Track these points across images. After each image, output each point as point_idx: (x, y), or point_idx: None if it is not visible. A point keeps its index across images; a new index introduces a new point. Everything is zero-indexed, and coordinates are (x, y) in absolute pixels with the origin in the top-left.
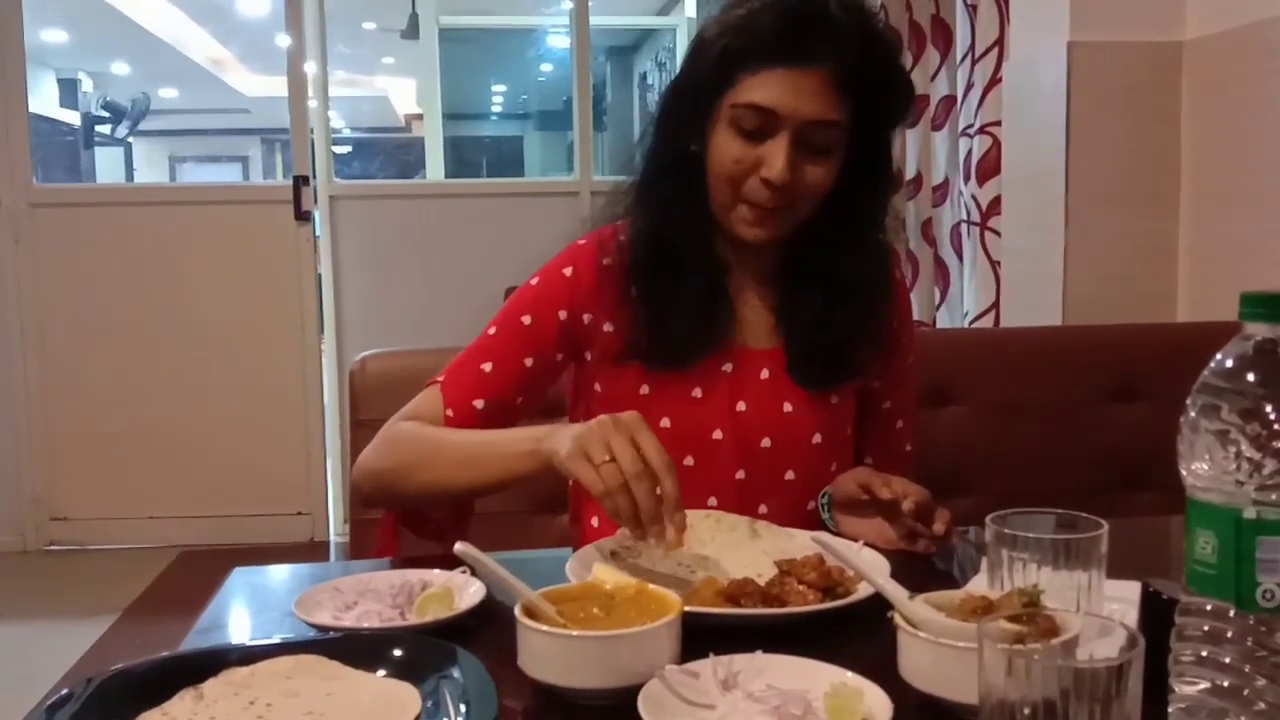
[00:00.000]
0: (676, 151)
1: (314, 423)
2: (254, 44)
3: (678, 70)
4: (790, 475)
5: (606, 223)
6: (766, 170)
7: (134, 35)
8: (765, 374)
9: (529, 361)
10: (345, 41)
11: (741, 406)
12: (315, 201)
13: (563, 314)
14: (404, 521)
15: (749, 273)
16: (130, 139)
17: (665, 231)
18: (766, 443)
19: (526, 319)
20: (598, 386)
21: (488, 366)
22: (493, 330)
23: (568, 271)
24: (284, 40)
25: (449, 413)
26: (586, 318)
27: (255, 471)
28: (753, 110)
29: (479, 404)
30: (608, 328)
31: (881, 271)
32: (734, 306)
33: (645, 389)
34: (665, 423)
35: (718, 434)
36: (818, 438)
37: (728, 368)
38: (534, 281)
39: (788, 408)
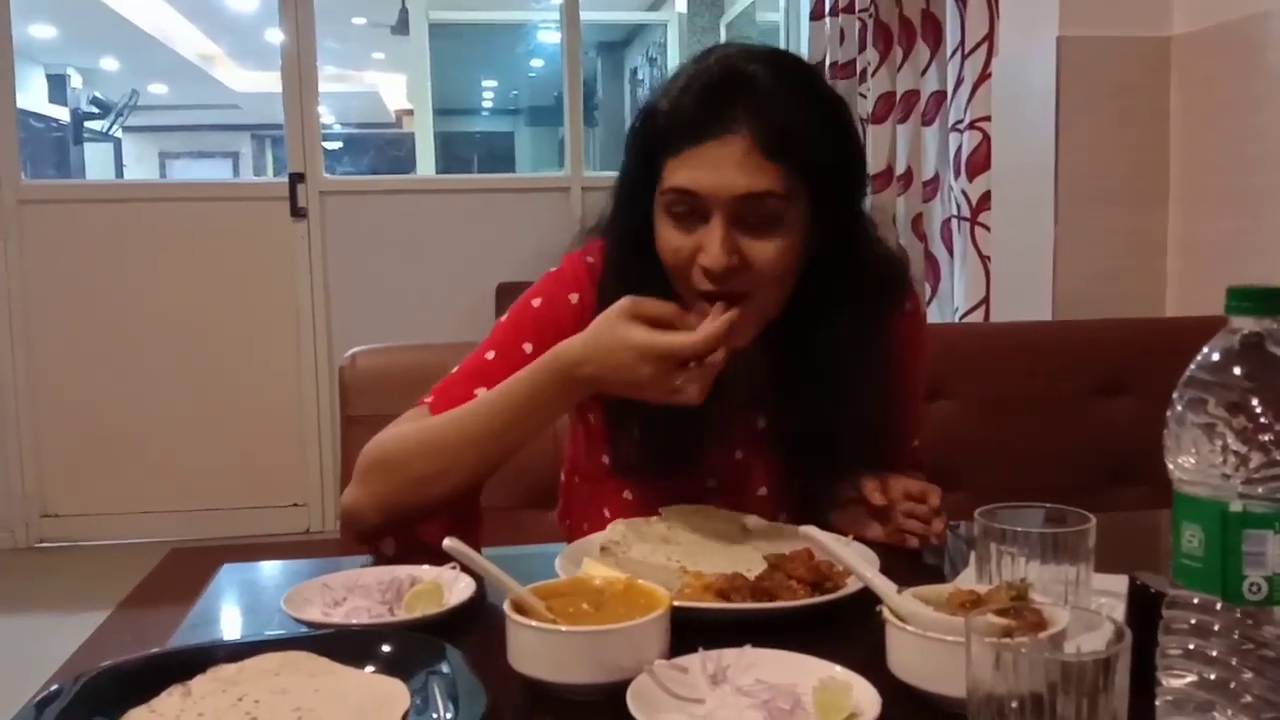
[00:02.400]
0: (637, 243)
1: (308, 414)
2: (244, 39)
3: (623, 156)
4: (783, 518)
5: (598, 230)
6: (702, 257)
7: (123, 30)
8: (761, 424)
9: None
10: (335, 37)
11: (738, 455)
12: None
13: None
14: (390, 537)
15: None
16: (119, 135)
17: None
18: (763, 491)
19: (528, 347)
20: (591, 418)
21: (483, 392)
22: (490, 354)
23: (574, 298)
24: (275, 36)
25: None
26: None
27: (249, 464)
28: (677, 195)
29: None
30: None
31: (874, 338)
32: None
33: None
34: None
35: (711, 483)
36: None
37: (722, 422)
38: (535, 303)
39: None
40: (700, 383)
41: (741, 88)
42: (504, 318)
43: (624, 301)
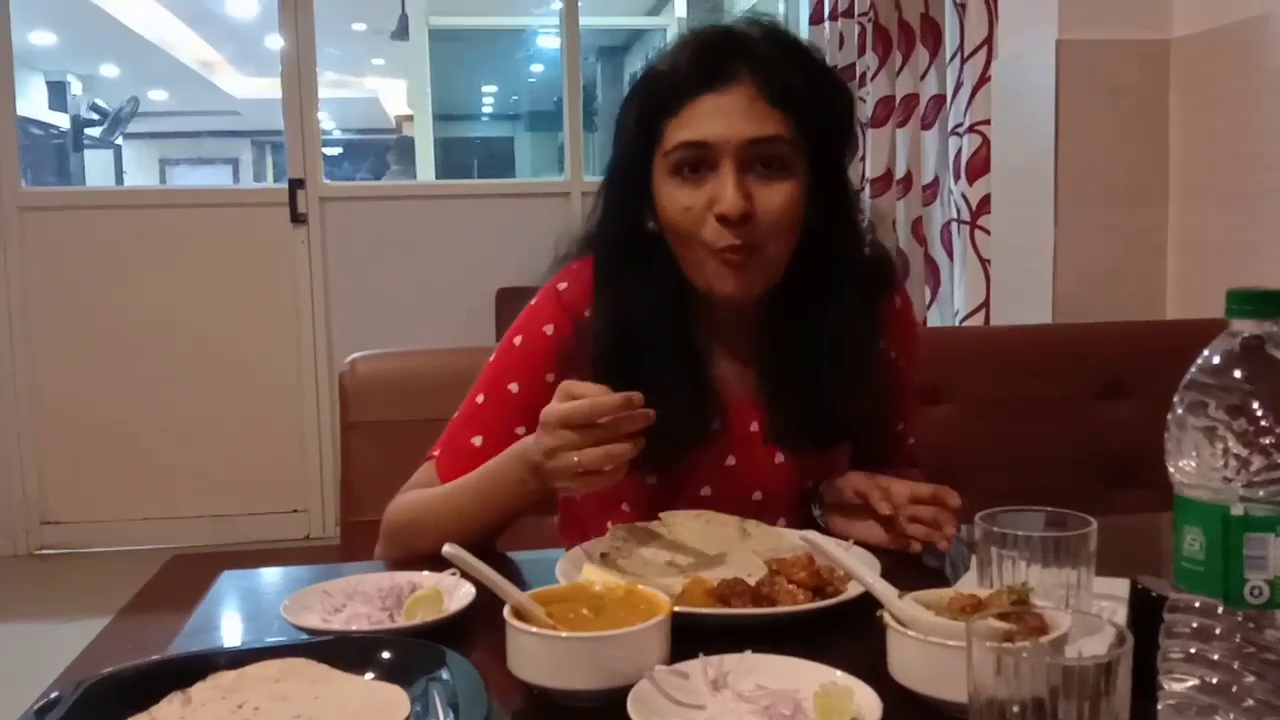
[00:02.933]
0: (633, 234)
1: (308, 420)
2: (244, 46)
3: (612, 145)
4: (782, 523)
5: (578, 248)
6: (719, 205)
7: (123, 37)
8: (754, 427)
9: (521, 430)
10: (335, 43)
11: (731, 461)
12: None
13: (550, 377)
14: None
15: (729, 330)
16: (119, 142)
17: (640, 332)
18: (758, 496)
19: (514, 387)
20: None
21: (478, 441)
22: (480, 398)
23: (549, 330)
24: (275, 42)
25: None
26: (576, 376)
27: (249, 470)
28: (685, 149)
29: None
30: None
31: (866, 313)
32: (716, 369)
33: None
34: (651, 480)
35: (706, 490)
36: (810, 484)
37: (715, 424)
38: (517, 341)
39: (779, 459)
40: (584, 458)
41: (740, 44)
42: (493, 358)
43: (560, 385)
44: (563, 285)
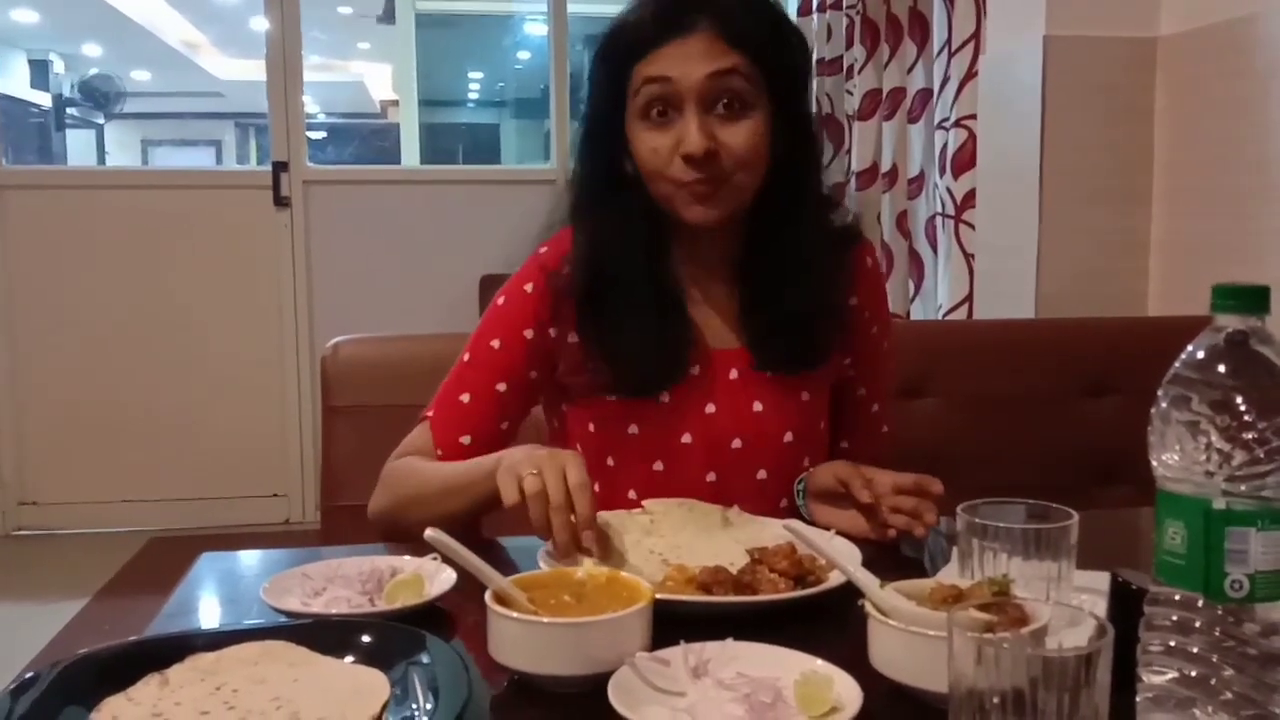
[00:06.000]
0: (609, 176)
1: (289, 404)
2: (229, 27)
3: (585, 94)
4: (762, 475)
5: (566, 224)
6: (683, 146)
7: (106, 16)
8: (734, 374)
9: (502, 387)
10: (320, 26)
11: (710, 409)
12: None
13: (528, 333)
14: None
15: (708, 277)
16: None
17: (614, 266)
18: (737, 444)
19: (495, 343)
20: (569, 395)
21: (466, 398)
22: (466, 356)
23: (528, 288)
24: (260, 24)
25: (439, 452)
26: (553, 331)
27: (229, 454)
28: (651, 84)
29: (465, 440)
30: (572, 338)
31: (833, 250)
32: (695, 315)
33: (613, 395)
34: (633, 429)
35: (687, 438)
36: (789, 436)
37: (695, 370)
38: (500, 301)
39: (758, 407)
40: (555, 497)
41: None
42: (480, 320)
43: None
44: (543, 249)
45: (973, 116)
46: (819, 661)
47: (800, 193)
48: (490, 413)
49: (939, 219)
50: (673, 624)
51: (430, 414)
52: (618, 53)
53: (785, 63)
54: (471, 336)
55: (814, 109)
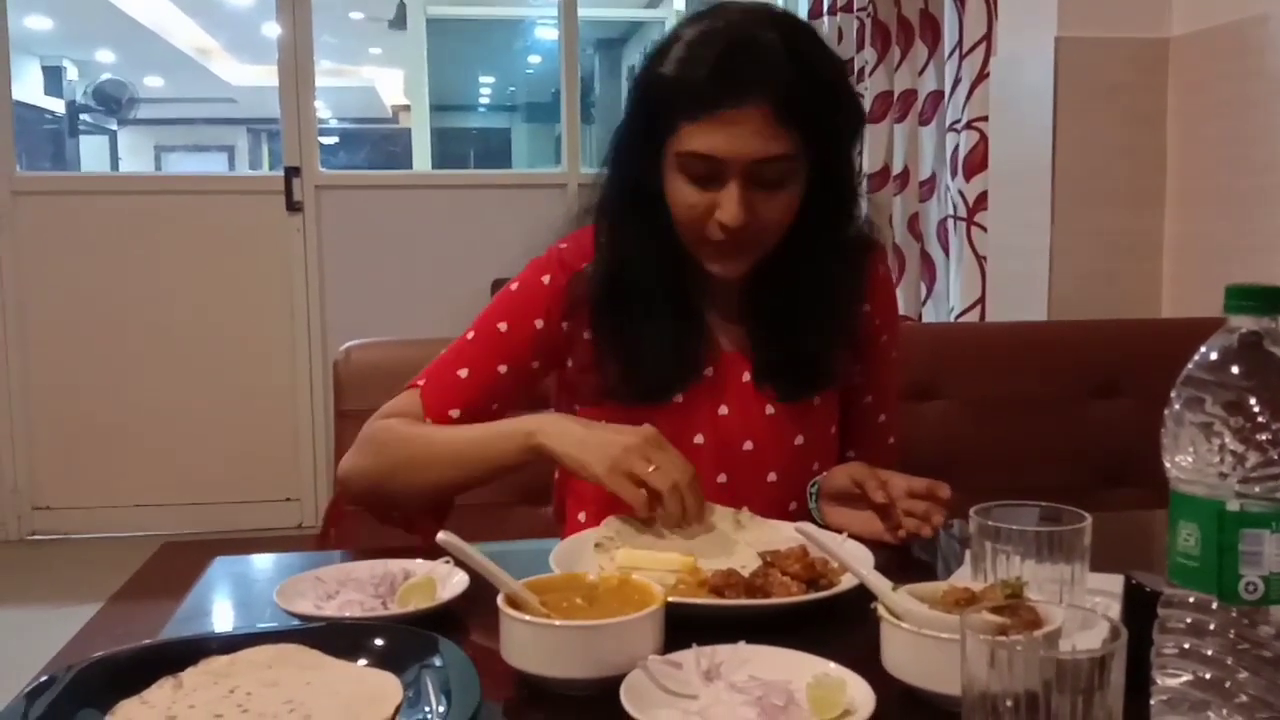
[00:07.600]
0: (637, 187)
1: (302, 409)
2: (241, 33)
3: (624, 111)
4: (772, 477)
5: (587, 220)
6: (721, 214)
7: (120, 23)
8: (746, 377)
9: (503, 369)
10: (332, 31)
11: (723, 410)
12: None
13: (539, 323)
14: (370, 509)
15: (722, 296)
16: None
17: (633, 272)
18: (748, 445)
19: (503, 326)
20: (580, 391)
21: (464, 373)
22: (471, 334)
23: (545, 279)
24: (272, 30)
25: (428, 420)
26: (565, 325)
27: (242, 458)
28: (696, 158)
29: (454, 414)
30: (586, 335)
31: (852, 272)
32: (710, 318)
33: (622, 401)
34: (646, 429)
35: (699, 439)
36: (800, 439)
37: (709, 372)
38: (514, 286)
39: (769, 410)
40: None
41: (754, 56)
42: (490, 303)
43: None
44: (564, 245)
45: (984, 118)
46: (831, 664)
47: (826, 226)
48: (485, 391)
49: (951, 221)
50: (685, 627)
51: (421, 383)
52: (665, 103)
53: (836, 128)
54: (478, 318)
55: (859, 159)
